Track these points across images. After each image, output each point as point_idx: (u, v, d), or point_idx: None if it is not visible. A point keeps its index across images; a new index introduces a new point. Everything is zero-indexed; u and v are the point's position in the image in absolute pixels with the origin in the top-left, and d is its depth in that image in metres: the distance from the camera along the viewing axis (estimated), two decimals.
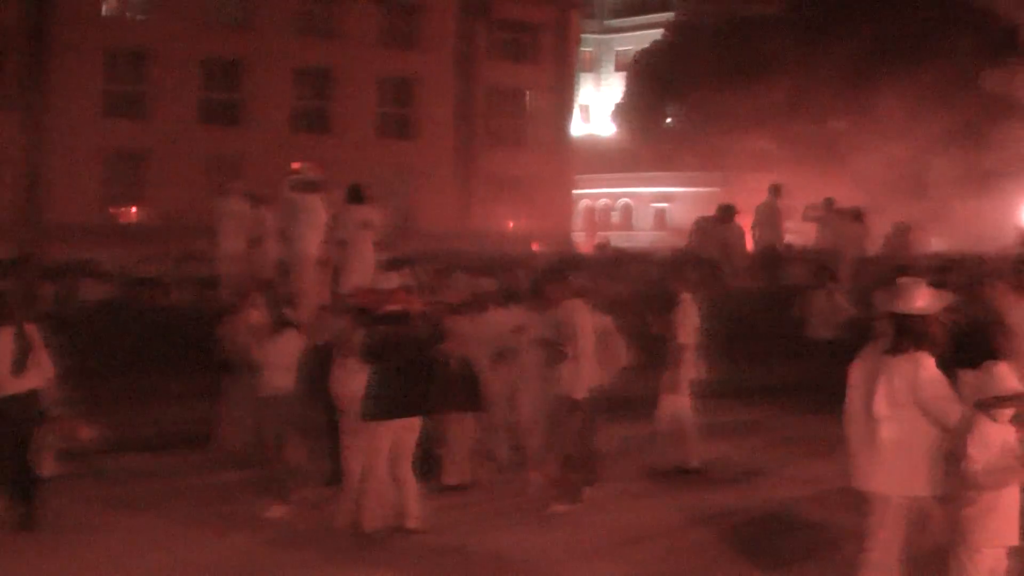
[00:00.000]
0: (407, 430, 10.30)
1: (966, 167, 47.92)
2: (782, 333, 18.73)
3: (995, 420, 6.90)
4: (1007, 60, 54.83)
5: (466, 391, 11.73)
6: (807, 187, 34.20)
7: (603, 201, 66.02)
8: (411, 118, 48.68)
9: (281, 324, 11.66)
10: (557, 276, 12.12)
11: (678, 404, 12.97)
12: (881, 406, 7.33)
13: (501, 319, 12.55)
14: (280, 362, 11.30)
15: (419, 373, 10.29)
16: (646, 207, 63.96)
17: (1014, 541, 6.92)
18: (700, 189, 55.29)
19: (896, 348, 7.33)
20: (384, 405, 10.21)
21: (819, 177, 40.50)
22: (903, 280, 7.70)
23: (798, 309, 18.27)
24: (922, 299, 7.36)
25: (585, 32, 69.81)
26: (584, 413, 11.29)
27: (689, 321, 12.94)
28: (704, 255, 23.42)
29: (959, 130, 48.58)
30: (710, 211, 25.96)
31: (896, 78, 48.52)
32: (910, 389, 7.22)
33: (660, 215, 62.58)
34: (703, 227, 24.90)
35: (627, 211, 65.31)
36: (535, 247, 40.49)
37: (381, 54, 47.16)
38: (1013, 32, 59.70)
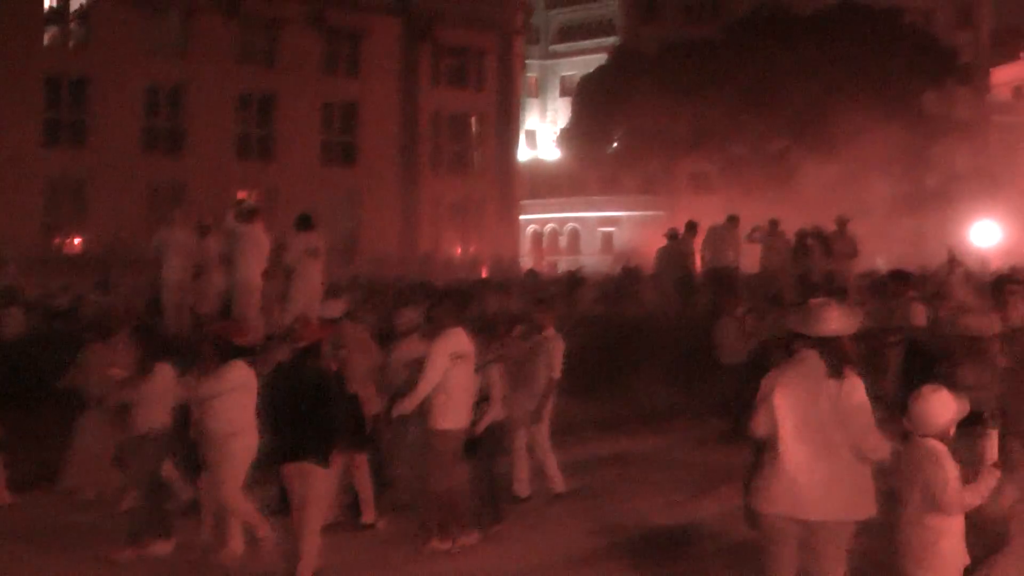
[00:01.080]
0: (290, 477, 9.67)
1: (907, 187, 48.42)
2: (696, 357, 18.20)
3: (945, 441, 6.93)
4: (946, 82, 55.53)
5: (353, 430, 10.92)
6: (750, 209, 34.45)
7: (550, 226, 66.16)
8: (355, 144, 48.63)
9: (154, 359, 10.88)
10: (443, 302, 11.47)
11: (539, 434, 12.85)
12: (807, 429, 7.16)
13: (413, 351, 11.64)
14: (153, 399, 10.66)
15: (295, 414, 9.52)
16: (593, 231, 64.17)
17: (967, 560, 6.95)
18: (645, 212, 55.60)
19: (830, 371, 7.15)
20: (262, 449, 9.94)
21: (762, 198, 40.81)
22: (816, 301, 7.58)
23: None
24: (836, 321, 7.25)
25: (529, 57, 70.12)
26: (456, 448, 10.69)
27: (557, 355, 12.85)
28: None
29: (900, 150, 49.09)
30: (656, 234, 26.10)
31: (837, 99, 49.01)
32: (836, 413, 7.09)
33: (607, 239, 62.78)
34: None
35: (574, 235, 65.49)
36: (483, 272, 40.54)
37: (324, 80, 47.14)
38: (952, 55, 60.52)
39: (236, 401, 9.97)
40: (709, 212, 28.31)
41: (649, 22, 72.26)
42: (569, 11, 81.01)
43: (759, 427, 7.31)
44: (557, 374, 12.78)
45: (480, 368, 10.98)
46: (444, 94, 50.95)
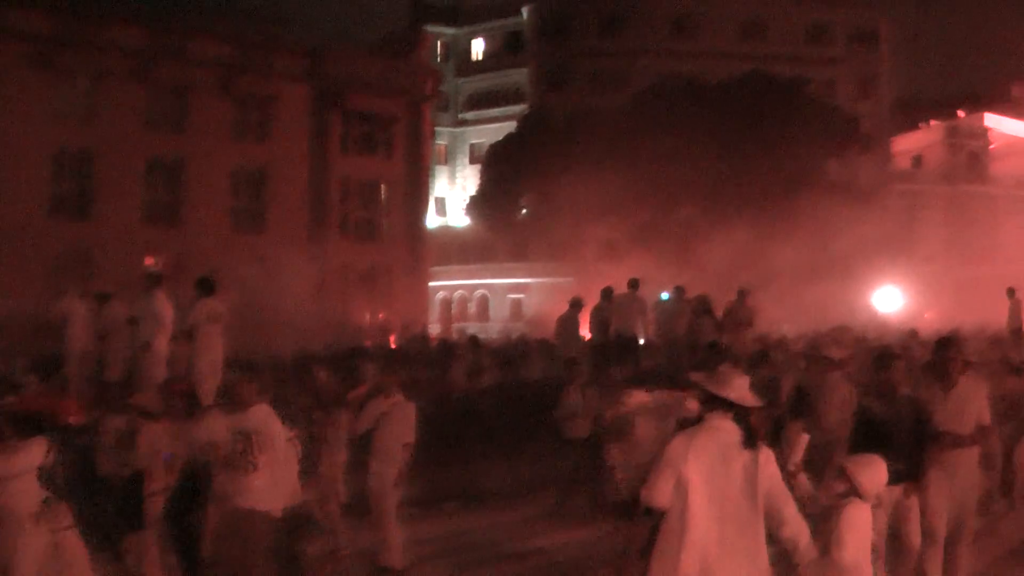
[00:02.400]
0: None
1: (812, 253, 49.03)
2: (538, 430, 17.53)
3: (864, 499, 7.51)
4: (849, 150, 56.58)
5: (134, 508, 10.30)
6: (658, 275, 34.72)
7: (460, 292, 66.24)
8: (264, 210, 48.43)
9: (27, 432, 9.46)
10: (248, 375, 10.53)
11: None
12: (722, 502, 6.96)
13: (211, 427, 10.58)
14: (22, 474, 9.28)
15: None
16: (502, 297, 64.37)
17: None
18: (554, 279, 55.81)
19: (745, 441, 7.01)
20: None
21: (670, 265, 41.13)
22: (725, 368, 7.42)
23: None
24: (745, 388, 7.14)
25: (439, 125, 70.48)
26: (275, 530, 10.03)
27: (408, 420, 12.83)
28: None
29: (804, 217, 49.75)
30: (564, 301, 26.10)
31: (743, 167, 49.67)
32: (751, 486, 6.97)
33: (516, 305, 62.96)
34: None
35: (483, 302, 65.62)
36: (391, 339, 40.41)
37: (234, 146, 46.97)
38: (854, 124, 61.75)
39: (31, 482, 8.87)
40: (618, 279, 28.41)
41: (557, 91, 73.04)
42: (479, 79, 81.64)
43: (661, 497, 6.97)
44: (410, 439, 12.71)
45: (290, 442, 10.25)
46: (354, 161, 50.98)
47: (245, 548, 9.79)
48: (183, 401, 10.30)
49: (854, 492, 7.83)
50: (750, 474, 6.95)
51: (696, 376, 7.32)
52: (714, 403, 7.11)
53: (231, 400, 10.21)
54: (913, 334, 26.76)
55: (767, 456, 7.04)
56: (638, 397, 8.49)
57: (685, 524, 6.90)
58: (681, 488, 6.91)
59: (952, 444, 10.33)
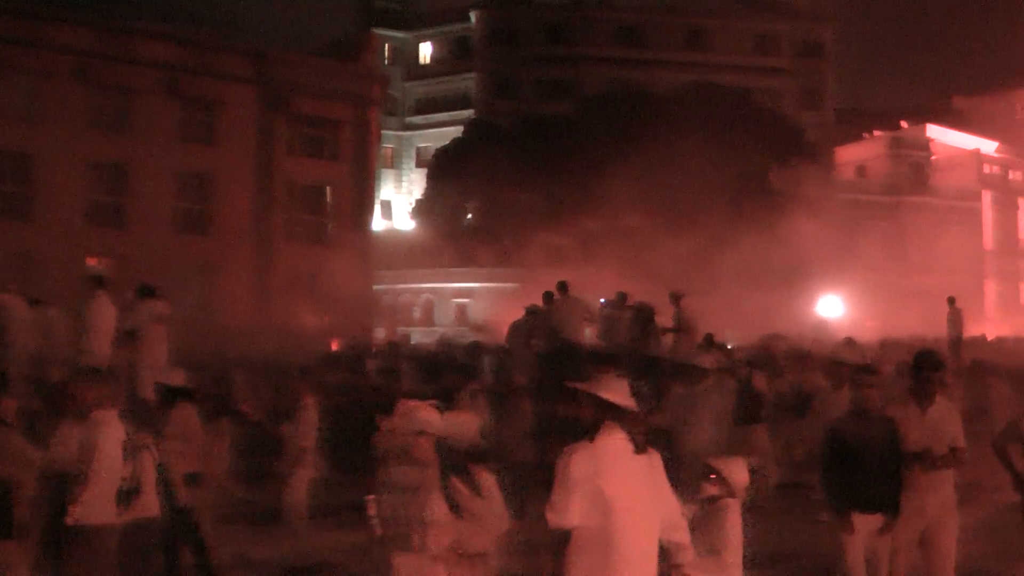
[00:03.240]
0: None
1: (756, 261, 49.35)
2: None
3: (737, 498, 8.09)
4: (793, 160, 57.00)
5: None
6: (603, 282, 34.82)
7: (405, 296, 66.10)
8: (209, 213, 48.10)
9: None
10: (86, 378, 10.14)
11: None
12: (637, 511, 6.80)
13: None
14: None
15: None
16: (447, 302, 64.27)
17: None
18: (499, 284, 55.83)
19: (637, 447, 6.88)
20: None
21: (615, 272, 41.26)
22: (605, 375, 7.29)
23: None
24: (627, 393, 7.00)
25: (386, 128, 70.34)
26: (105, 546, 9.35)
27: (311, 424, 12.90)
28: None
29: (749, 226, 50.06)
30: (511, 306, 26.11)
31: (689, 175, 49.87)
32: (650, 490, 6.90)
33: (461, 310, 62.92)
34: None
35: (428, 306, 65.52)
36: (335, 343, 40.29)
37: (179, 148, 46.59)
38: (799, 134, 62.23)
39: None
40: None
41: (505, 97, 73.22)
42: (426, 84, 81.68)
43: (573, 517, 6.71)
44: (307, 443, 12.81)
45: (129, 454, 9.59)
46: (300, 164, 50.74)
47: (80, 566, 9.37)
48: (72, 403, 9.85)
49: (728, 493, 8.06)
50: (648, 479, 6.90)
51: (581, 384, 7.10)
52: (604, 410, 6.93)
53: (74, 407, 9.80)
54: (849, 342, 26.96)
55: (657, 460, 6.99)
56: (424, 415, 7.56)
57: (611, 539, 6.72)
58: (601, 503, 6.71)
59: (929, 465, 9.54)
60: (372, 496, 7.42)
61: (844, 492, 9.55)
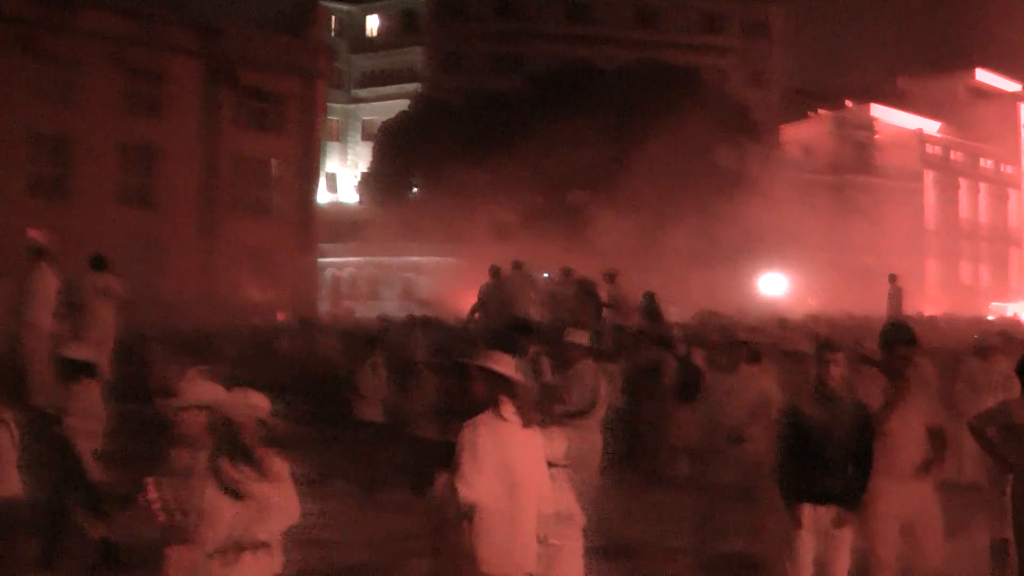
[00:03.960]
0: None
1: (701, 239, 49.59)
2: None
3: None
4: (739, 138, 57.28)
5: None
6: (549, 258, 34.91)
7: (349, 270, 65.89)
8: (154, 186, 47.78)
9: None
10: None
11: None
12: (526, 482, 6.99)
13: None
14: None
15: None
16: (392, 276, 64.11)
17: None
18: (445, 259, 55.80)
19: (525, 421, 7.04)
20: None
21: (561, 248, 41.37)
22: (492, 351, 7.31)
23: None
24: (512, 366, 7.13)
25: (331, 101, 70.01)
26: None
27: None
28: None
29: (694, 203, 50.25)
30: (456, 281, 26.23)
31: (635, 152, 50.02)
32: (533, 463, 7.08)
33: (407, 284, 62.80)
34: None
35: (373, 280, 65.33)
36: (280, 317, 40.20)
37: (123, 121, 46.23)
38: (745, 112, 62.52)
39: None
40: (508, 260, 28.49)
41: (452, 71, 73.04)
42: (373, 57, 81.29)
43: (480, 492, 6.79)
44: None
45: None
46: (245, 137, 50.48)
47: None
48: None
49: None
50: (535, 453, 7.11)
51: (472, 360, 7.17)
52: (497, 384, 7.03)
53: None
54: (782, 323, 27.10)
55: (538, 433, 7.21)
56: (201, 388, 7.25)
57: (514, 512, 6.92)
58: (505, 477, 6.86)
59: (905, 455, 8.74)
60: (151, 478, 7.08)
61: (797, 481, 8.64)
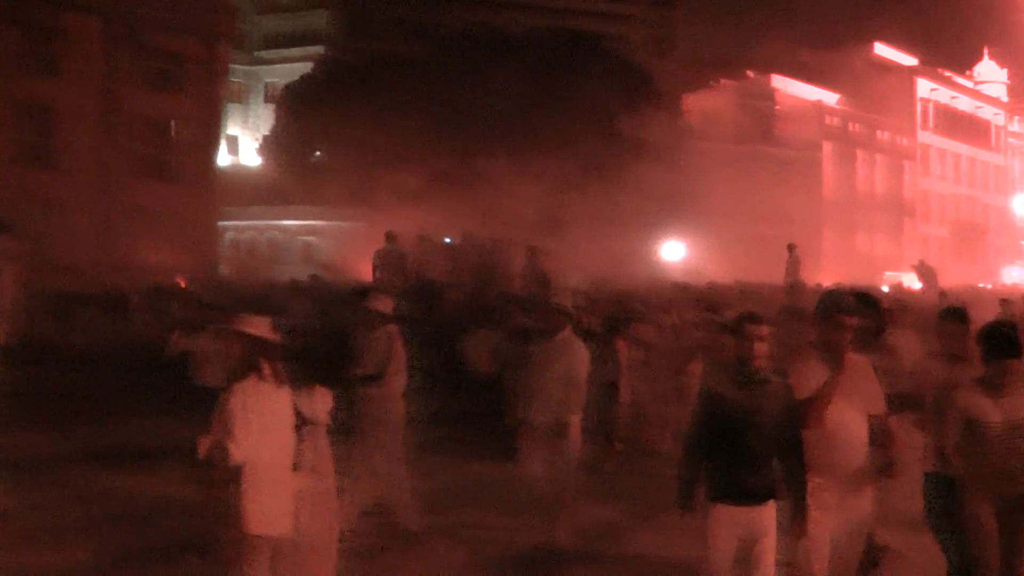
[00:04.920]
0: None
1: (604, 206, 49.83)
2: None
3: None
4: (642, 106, 57.56)
5: None
6: (451, 223, 34.98)
7: (250, 233, 65.35)
8: (51, 146, 47.01)
9: None
10: None
11: None
12: (286, 445, 7.45)
13: None
14: None
15: None
16: (293, 240, 63.72)
17: None
18: (346, 223, 55.58)
19: (280, 380, 7.41)
20: None
21: (463, 214, 41.40)
22: (250, 315, 7.50)
23: None
24: (266, 326, 7.37)
25: (234, 63, 69.16)
26: None
27: None
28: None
29: (597, 170, 50.45)
30: (356, 245, 26.25)
31: (539, 118, 50.11)
32: (289, 423, 7.48)
33: (307, 248, 62.46)
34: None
35: (274, 244, 64.88)
36: (180, 280, 39.79)
37: (19, 79, 45.39)
38: (648, 80, 62.80)
39: None
40: (411, 224, 28.56)
41: (357, 35, 72.41)
42: (277, 19, 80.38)
43: (243, 451, 7.04)
44: None
45: None
46: (145, 97, 49.82)
47: None
48: None
49: (312, 420, 8.44)
50: (288, 413, 7.47)
51: (225, 324, 7.47)
52: (253, 347, 7.28)
53: None
54: (683, 288, 27.29)
55: (289, 394, 7.50)
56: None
57: (279, 471, 7.32)
58: (267, 438, 7.18)
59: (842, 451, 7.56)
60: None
61: (713, 477, 7.47)
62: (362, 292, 14.04)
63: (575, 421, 11.16)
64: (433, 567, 10.57)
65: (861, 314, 8.10)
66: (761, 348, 7.39)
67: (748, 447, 7.31)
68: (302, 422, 8.16)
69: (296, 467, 7.78)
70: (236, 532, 7.06)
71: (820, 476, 7.49)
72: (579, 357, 11.29)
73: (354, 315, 12.65)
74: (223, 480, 7.06)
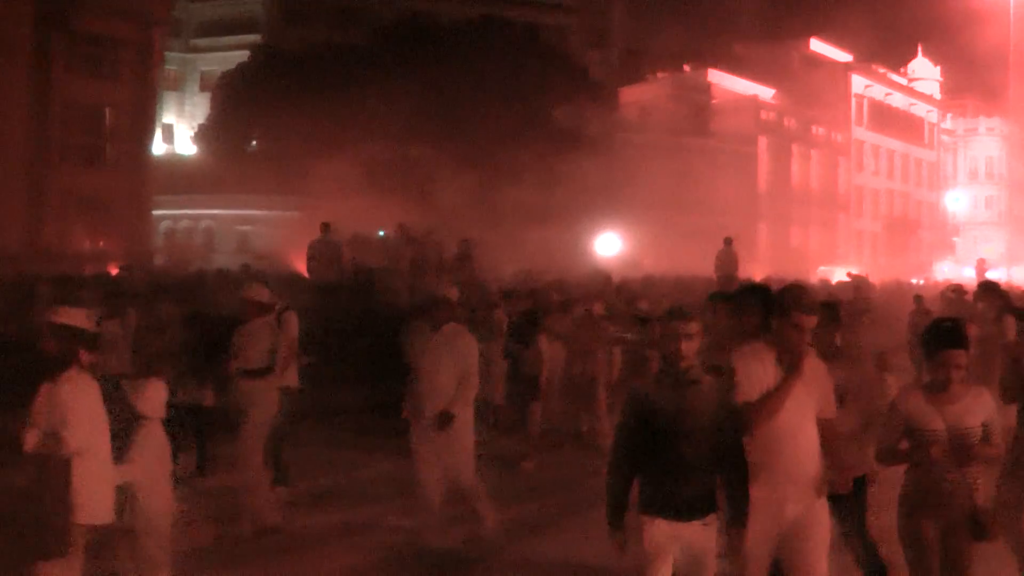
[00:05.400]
0: None
1: (538, 198, 49.88)
2: None
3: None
4: (578, 98, 57.67)
5: None
6: (387, 213, 34.93)
7: (185, 222, 64.89)
8: None
9: None
10: None
11: None
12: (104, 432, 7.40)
13: None
14: None
15: None
16: (229, 229, 63.34)
17: None
18: (282, 212, 55.36)
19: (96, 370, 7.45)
20: None
21: (400, 204, 41.34)
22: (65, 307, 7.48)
23: None
24: (81, 317, 7.34)
25: (169, 50, 68.64)
26: None
27: None
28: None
29: (532, 162, 50.50)
30: (295, 234, 26.24)
31: (475, 109, 50.13)
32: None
33: (243, 238, 62.12)
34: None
35: (209, 233, 64.47)
36: (114, 269, 39.49)
37: None
38: (584, 73, 62.96)
39: None
40: (346, 214, 28.52)
41: (293, 23, 72.02)
42: (213, 6, 79.74)
43: (78, 442, 7.08)
44: None
45: None
46: (78, 83, 49.32)
47: None
48: None
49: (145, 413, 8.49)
50: (101, 400, 7.37)
51: (43, 318, 7.39)
52: (73, 339, 7.24)
53: None
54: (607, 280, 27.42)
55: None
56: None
57: (105, 462, 7.39)
58: (94, 429, 7.23)
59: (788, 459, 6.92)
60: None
61: (644, 490, 6.86)
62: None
63: (466, 414, 10.68)
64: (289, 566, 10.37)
65: (821, 315, 7.34)
66: (690, 347, 6.79)
67: (681, 455, 6.66)
68: (134, 416, 8.25)
69: (128, 459, 7.94)
70: (62, 521, 7.07)
71: (765, 487, 6.84)
72: (467, 348, 10.72)
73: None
74: (49, 470, 7.06)
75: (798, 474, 6.89)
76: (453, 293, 10.96)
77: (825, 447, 7.03)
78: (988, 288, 17.59)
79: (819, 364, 7.15)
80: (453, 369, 10.44)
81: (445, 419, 10.41)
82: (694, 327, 6.82)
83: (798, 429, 6.89)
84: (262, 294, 11.50)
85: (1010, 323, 14.72)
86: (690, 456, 6.65)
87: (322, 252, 25.07)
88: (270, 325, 11.41)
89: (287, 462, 12.79)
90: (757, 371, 6.90)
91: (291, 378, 12.62)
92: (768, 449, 6.84)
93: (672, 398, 6.70)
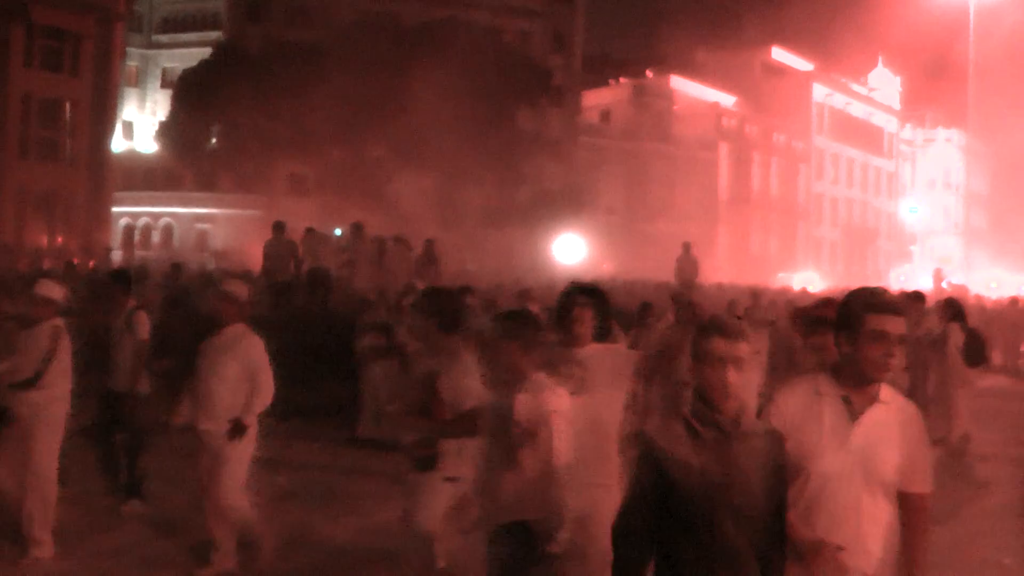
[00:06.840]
0: None
1: (499, 200, 49.99)
2: None
3: None
4: (540, 102, 57.83)
5: None
6: (346, 213, 34.90)
7: (144, 220, 64.66)
8: None
9: None
10: None
11: None
12: None
13: None
14: None
15: None
16: (188, 227, 63.20)
17: None
18: (242, 211, 55.25)
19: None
20: None
21: (358, 204, 41.35)
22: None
23: None
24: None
25: (131, 46, 68.37)
26: None
27: None
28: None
29: (493, 164, 50.62)
30: (253, 233, 26.21)
31: (436, 111, 50.14)
32: None
33: (202, 236, 61.98)
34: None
35: (168, 231, 64.29)
36: (75, 263, 39.29)
37: None
38: (546, 76, 63.09)
39: None
40: (306, 214, 28.50)
41: (255, 21, 71.80)
42: (175, 2, 79.43)
43: None
44: None
45: None
46: (37, 77, 49.01)
47: None
48: None
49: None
50: None
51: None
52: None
53: None
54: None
55: None
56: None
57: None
58: None
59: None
60: None
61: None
62: (120, 278, 12.26)
63: (254, 423, 9.39)
64: None
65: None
66: (735, 377, 4.51)
67: (723, 539, 4.42)
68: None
69: None
70: None
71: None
72: (253, 351, 9.36)
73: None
74: None
75: (856, 567, 4.74)
76: (239, 290, 9.69)
77: (907, 534, 4.89)
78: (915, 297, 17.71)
79: (904, 405, 4.95)
80: (236, 376, 9.23)
81: (237, 431, 9.15)
82: (742, 348, 4.55)
83: (858, 502, 4.79)
84: (55, 291, 9.93)
85: (955, 330, 14.86)
86: (735, 539, 4.42)
87: (277, 251, 24.97)
88: (54, 328, 9.78)
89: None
90: (806, 411, 4.86)
91: (143, 384, 11.90)
92: (814, 529, 4.78)
93: (710, 456, 4.44)
